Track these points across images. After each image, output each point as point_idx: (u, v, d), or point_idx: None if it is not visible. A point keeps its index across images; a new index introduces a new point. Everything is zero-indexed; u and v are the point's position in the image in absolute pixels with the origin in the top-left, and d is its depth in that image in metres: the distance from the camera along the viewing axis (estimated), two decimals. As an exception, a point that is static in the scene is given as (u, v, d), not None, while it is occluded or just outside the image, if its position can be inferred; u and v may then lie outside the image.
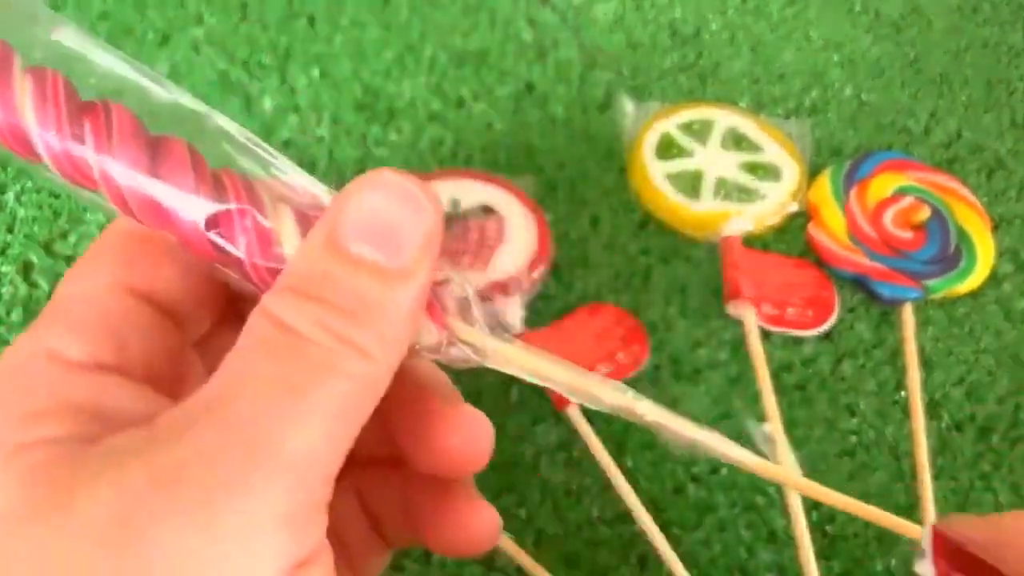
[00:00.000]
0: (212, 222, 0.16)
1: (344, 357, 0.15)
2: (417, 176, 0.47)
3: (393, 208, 0.16)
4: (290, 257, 0.16)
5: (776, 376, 0.37)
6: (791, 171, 0.44)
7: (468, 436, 0.19)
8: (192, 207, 0.16)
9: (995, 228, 0.44)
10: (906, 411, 0.37)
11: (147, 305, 0.17)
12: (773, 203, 0.43)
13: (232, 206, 0.16)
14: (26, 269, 0.39)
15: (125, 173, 0.16)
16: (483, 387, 0.36)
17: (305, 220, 0.17)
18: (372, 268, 0.15)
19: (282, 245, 0.16)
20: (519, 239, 0.39)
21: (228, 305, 0.20)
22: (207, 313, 0.19)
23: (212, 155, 0.17)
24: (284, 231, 0.16)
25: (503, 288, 0.38)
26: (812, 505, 0.34)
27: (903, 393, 0.38)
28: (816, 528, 0.33)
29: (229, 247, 0.16)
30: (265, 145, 0.18)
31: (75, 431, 0.15)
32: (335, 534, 0.16)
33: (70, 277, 0.18)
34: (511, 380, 0.20)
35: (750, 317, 0.38)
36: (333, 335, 0.15)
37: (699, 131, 0.46)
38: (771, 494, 0.34)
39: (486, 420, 0.20)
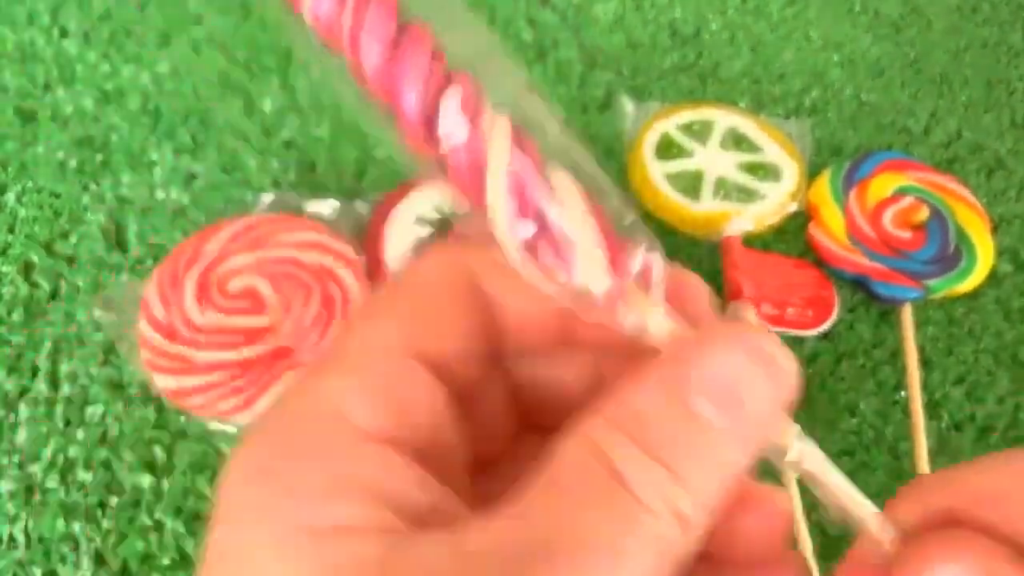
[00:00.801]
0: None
1: (667, 522, 0.14)
2: (416, 178, 0.47)
3: (746, 370, 0.15)
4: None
5: (776, 376, 0.37)
6: (791, 171, 0.44)
7: (765, 513, 0.17)
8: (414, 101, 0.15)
9: (995, 228, 0.44)
10: (906, 411, 0.37)
11: (431, 374, 0.16)
12: (773, 203, 0.43)
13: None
14: (27, 269, 0.39)
15: (370, 43, 0.15)
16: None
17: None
18: (708, 429, 0.14)
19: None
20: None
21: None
22: (475, 386, 0.18)
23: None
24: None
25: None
26: (812, 505, 0.34)
27: (903, 393, 0.38)
28: (816, 528, 0.33)
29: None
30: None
31: (372, 519, 0.14)
32: None
33: (358, 326, 0.16)
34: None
35: (750, 317, 0.38)
36: (660, 495, 0.14)
37: (699, 131, 0.46)
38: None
39: (783, 498, 0.18)
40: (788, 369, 0.15)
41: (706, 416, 0.14)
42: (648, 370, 0.15)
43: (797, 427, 0.16)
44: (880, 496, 0.39)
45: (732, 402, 0.14)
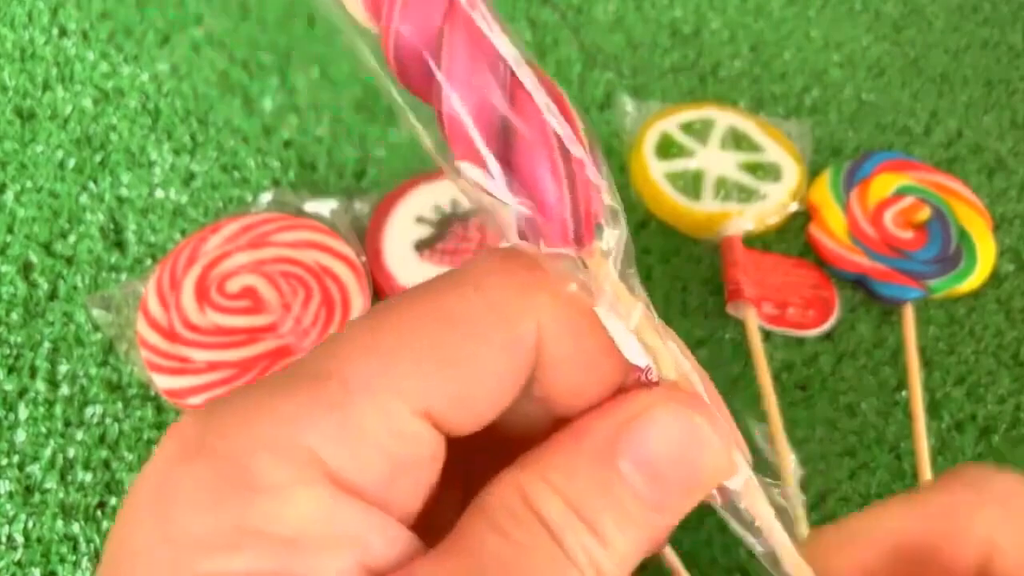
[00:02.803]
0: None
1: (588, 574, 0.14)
2: (415, 177, 0.46)
3: (678, 448, 0.15)
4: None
5: (777, 376, 0.37)
6: (791, 171, 0.44)
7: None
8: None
9: (996, 228, 0.44)
10: (907, 411, 0.37)
11: (430, 430, 0.15)
12: (773, 203, 0.43)
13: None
14: (26, 269, 0.39)
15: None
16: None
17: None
18: (635, 496, 0.15)
19: None
20: (519, 239, 0.39)
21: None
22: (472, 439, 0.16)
23: None
24: None
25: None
26: (812, 505, 0.34)
27: (904, 393, 0.38)
28: (816, 528, 0.33)
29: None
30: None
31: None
32: None
33: (369, 351, 0.15)
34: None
35: (751, 317, 0.38)
36: (586, 554, 0.14)
37: (699, 131, 0.46)
38: (772, 494, 0.34)
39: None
40: (718, 449, 0.15)
41: (633, 484, 0.15)
42: (584, 429, 0.15)
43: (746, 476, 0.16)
44: (881, 496, 0.39)
45: (659, 476, 0.15)
